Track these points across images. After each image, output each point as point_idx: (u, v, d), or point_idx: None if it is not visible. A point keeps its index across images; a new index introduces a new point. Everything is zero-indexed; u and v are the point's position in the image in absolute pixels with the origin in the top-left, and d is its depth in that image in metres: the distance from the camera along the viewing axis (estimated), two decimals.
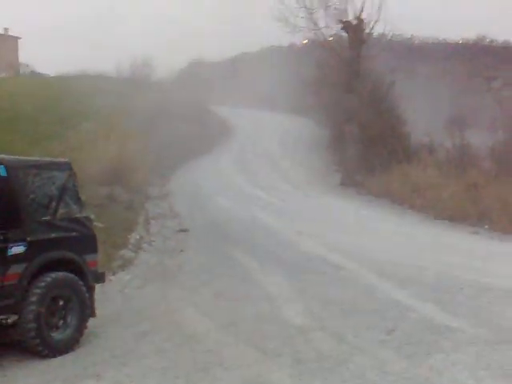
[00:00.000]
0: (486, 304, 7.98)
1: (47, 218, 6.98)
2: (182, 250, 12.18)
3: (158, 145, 23.04)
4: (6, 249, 6.36)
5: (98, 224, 9.56)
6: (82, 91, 26.94)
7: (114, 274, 10.29)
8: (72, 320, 6.87)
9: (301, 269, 10.44)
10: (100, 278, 7.56)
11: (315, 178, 23.89)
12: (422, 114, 34.16)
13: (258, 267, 10.76)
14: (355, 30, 25.46)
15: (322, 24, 26.06)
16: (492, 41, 61.06)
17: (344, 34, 26.21)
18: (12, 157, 7.07)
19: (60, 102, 25.75)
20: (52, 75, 37.37)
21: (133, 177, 17.36)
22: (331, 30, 26.20)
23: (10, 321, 6.83)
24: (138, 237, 13.02)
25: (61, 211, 7.18)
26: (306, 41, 38.45)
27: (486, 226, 15.33)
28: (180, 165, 25.04)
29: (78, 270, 7.08)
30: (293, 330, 7.22)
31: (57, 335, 6.69)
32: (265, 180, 23.20)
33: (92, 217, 7.65)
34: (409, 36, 58.42)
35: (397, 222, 16.25)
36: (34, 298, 6.49)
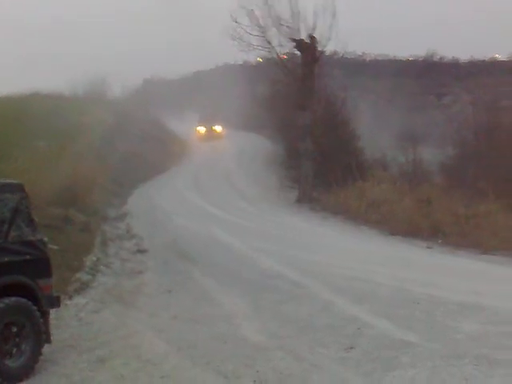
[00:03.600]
0: (441, 318, 8.16)
1: None
2: (140, 272, 12.05)
3: (114, 164, 22.82)
4: None
5: (52, 246, 9.39)
6: (34, 111, 26.48)
7: (70, 297, 10.08)
8: (26, 347, 6.69)
9: (258, 287, 10.48)
10: (55, 302, 7.40)
11: (271, 195, 24.03)
12: (374, 130, 34.85)
13: (217, 286, 10.75)
14: (308, 48, 25.80)
15: (275, 42, 26.31)
16: (441, 58, 62.81)
17: (297, 52, 26.52)
18: None
19: (11, 122, 25.23)
20: (3, 95, 36.66)
21: (88, 197, 17.10)
22: (284, 48, 26.46)
23: None
24: (94, 259, 12.80)
25: (13, 234, 7.01)
26: (260, 59, 38.82)
27: (440, 241, 15.66)
28: (137, 184, 24.83)
29: (31, 295, 6.91)
30: (251, 349, 7.23)
31: (11, 363, 6.51)
32: (221, 198, 23.21)
33: (46, 239, 7.49)
34: (360, 53, 59.75)
35: (352, 238, 16.46)
36: None
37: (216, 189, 25.53)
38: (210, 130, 39.76)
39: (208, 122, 40.03)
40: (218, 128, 39.88)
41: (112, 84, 41.44)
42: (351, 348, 7.16)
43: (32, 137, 23.45)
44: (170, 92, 46.41)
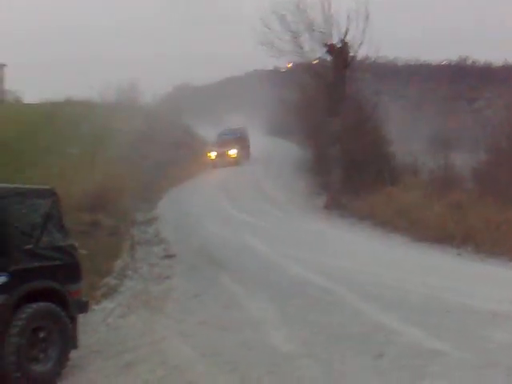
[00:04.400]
0: (472, 327, 7.97)
1: (30, 246, 6.89)
2: (167, 277, 12.08)
3: (143, 170, 23.00)
4: None
5: (81, 251, 9.47)
6: (67, 118, 26.90)
7: (97, 302, 10.17)
8: (53, 352, 6.75)
9: (287, 293, 10.39)
10: (83, 307, 7.46)
11: (299, 201, 23.90)
12: (405, 134, 34.53)
13: (245, 292, 10.70)
14: (340, 53, 25.68)
15: (306, 47, 26.25)
16: (474, 62, 62.01)
17: (329, 57, 26.42)
18: None
19: (44, 128, 25.67)
20: (37, 102, 37.29)
21: (118, 202, 17.27)
22: (316, 53, 26.39)
23: None
24: (122, 264, 12.91)
25: (44, 239, 7.11)
26: (290, 64, 38.78)
27: (469, 248, 15.36)
28: (166, 190, 24.97)
29: (60, 300, 6.97)
30: (278, 357, 7.16)
31: (38, 368, 6.56)
32: (250, 204, 23.18)
33: (76, 245, 7.56)
34: (392, 58, 59.27)
35: (380, 244, 16.24)
36: (14, 330, 6.38)
37: (244, 194, 25.52)
38: (222, 155, 33.62)
39: (223, 144, 34.19)
40: (232, 152, 33.78)
41: (143, 90, 41.96)
42: (380, 356, 7.04)
43: (64, 143, 23.84)
44: (200, 99, 46.59)
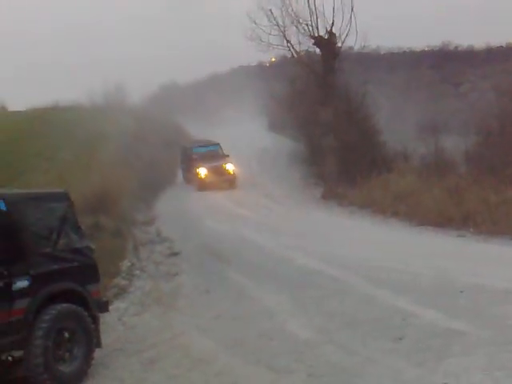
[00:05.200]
0: (487, 306, 8.06)
1: (48, 249, 6.92)
2: (175, 274, 12.12)
3: (138, 170, 22.97)
4: (10, 284, 6.28)
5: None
6: (55, 123, 26.78)
7: (110, 303, 10.17)
8: (78, 352, 6.79)
9: (296, 283, 10.46)
10: (104, 307, 7.50)
11: (296, 192, 24.00)
12: (394, 122, 34.68)
13: (254, 284, 10.75)
14: (327, 45, 25.93)
15: (294, 41, 26.45)
16: (457, 46, 62.36)
17: (316, 49, 26.63)
18: (11, 190, 7.02)
19: (33, 135, 25.54)
20: (23, 109, 37.06)
21: (117, 204, 17.23)
22: (303, 45, 26.60)
23: (10, 358, 6.71)
24: (129, 264, 12.93)
25: (61, 242, 7.15)
26: (273, 58, 38.88)
27: (471, 229, 15.51)
28: (162, 189, 24.97)
29: (81, 301, 7.00)
30: (300, 345, 7.22)
31: (65, 368, 6.60)
32: (247, 198, 23.25)
33: (93, 246, 7.59)
34: (374, 47, 59.48)
35: (382, 230, 16.38)
36: (40, 333, 6.40)
37: (240, 188, 25.58)
38: (216, 172, 26.01)
39: (207, 158, 26.70)
40: (229, 167, 26.34)
41: (129, 91, 41.78)
42: (400, 339, 7.12)
43: (55, 149, 23.72)
44: (187, 97, 46.45)
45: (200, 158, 26.87)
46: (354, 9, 25.08)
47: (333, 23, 25.28)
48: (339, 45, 25.51)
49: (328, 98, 25.18)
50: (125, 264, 12.93)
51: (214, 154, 27.58)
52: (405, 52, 61.46)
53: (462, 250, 13.12)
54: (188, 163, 27.94)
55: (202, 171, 26.15)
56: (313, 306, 9.00)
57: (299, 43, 26.50)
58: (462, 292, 8.79)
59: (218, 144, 28.58)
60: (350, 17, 24.98)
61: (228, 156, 27.19)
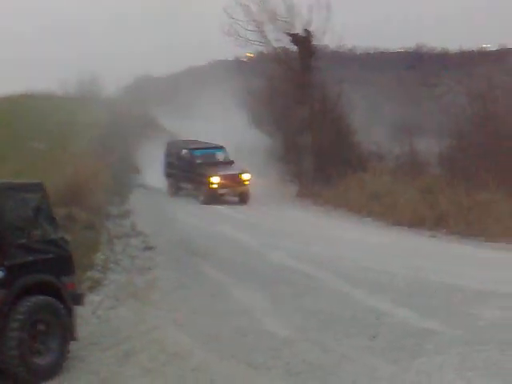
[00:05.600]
0: (460, 306, 8.24)
1: (23, 240, 6.82)
2: (150, 268, 12.02)
3: (113, 163, 22.77)
4: None
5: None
6: (27, 112, 26.38)
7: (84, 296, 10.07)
8: (54, 344, 6.71)
9: (273, 280, 10.50)
10: (79, 300, 7.42)
11: (272, 190, 24.02)
12: (369, 122, 34.89)
13: (230, 280, 10.75)
14: (304, 42, 25.96)
15: (271, 37, 26.39)
16: (431, 49, 62.99)
17: (293, 46, 26.63)
18: None
19: (2, 123, 25.11)
20: None
21: (90, 196, 17.03)
22: (281, 42, 26.55)
23: None
24: (103, 257, 12.79)
25: (36, 233, 7.04)
26: (251, 54, 38.85)
27: (444, 230, 15.77)
28: (136, 182, 24.77)
29: (56, 293, 6.92)
30: (277, 342, 7.26)
31: (40, 361, 6.52)
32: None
33: (67, 238, 7.50)
34: (351, 47, 59.69)
35: (357, 229, 16.53)
36: (15, 325, 6.32)
37: None
38: (232, 182, 21.68)
39: (216, 165, 22.63)
40: (247, 177, 21.93)
41: (104, 83, 41.40)
42: (375, 337, 7.23)
43: (26, 138, 23.35)
44: (162, 89, 46.08)
45: (206, 163, 22.40)
46: (330, 8, 25.17)
47: (309, 21, 25.34)
48: (316, 43, 25.54)
49: (304, 96, 25.25)
50: (99, 257, 12.78)
51: (219, 158, 23.45)
52: (380, 53, 61.79)
53: (435, 250, 13.34)
54: (184, 168, 22.72)
55: (215, 180, 21.27)
56: (289, 303, 9.05)
57: (276, 40, 26.50)
58: (435, 292, 8.95)
59: (223, 147, 24.14)
60: (327, 15, 25.07)
61: (233, 162, 23.24)
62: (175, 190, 23.26)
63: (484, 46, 61.00)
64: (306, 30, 25.68)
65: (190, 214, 18.80)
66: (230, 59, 50.97)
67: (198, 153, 23.22)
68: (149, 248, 13.88)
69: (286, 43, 26.63)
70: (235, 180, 21.70)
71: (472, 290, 8.92)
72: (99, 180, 19.12)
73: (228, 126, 36.98)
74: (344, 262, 11.57)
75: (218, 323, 8.24)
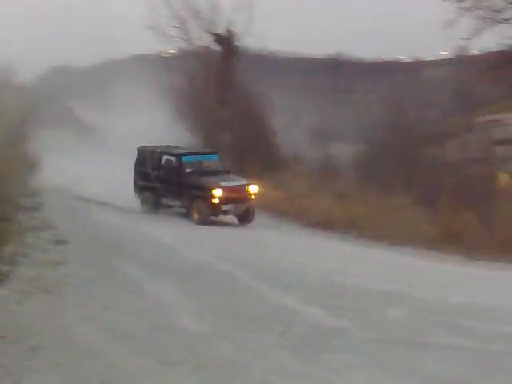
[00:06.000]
0: (368, 306, 8.60)
1: None
2: (62, 263, 11.72)
3: (29, 153, 22.05)
4: None
5: None
6: None
7: None
8: None
9: (190, 278, 10.54)
10: None
11: None
12: (288, 126, 35.58)
13: (146, 278, 10.65)
14: (226, 42, 26.15)
15: (194, 35, 26.41)
16: (348, 57, 65.01)
17: (216, 46, 26.75)
18: None
19: None
20: None
21: (1, 186, 16.42)
22: (203, 41, 26.62)
23: None
24: (12, 249, 12.35)
25: None
26: (173, 50, 38.58)
27: (354, 233, 16.38)
28: (50, 174, 24.02)
29: None
30: (191, 338, 7.32)
31: None
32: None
33: None
34: (272, 50, 60.53)
35: (273, 230, 16.84)
36: None
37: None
38: (237, 196, 17.95)
39: (216, 172, 19.24)
40: (254, 189, 18.45)
41: (18, 70, 39.79)
42: (286, 335, 7.42)
43: None
44: (81, 81, 44.87)
45: (198, 172, 18.84)
46: (253, 10, 25.47)
47: (233, 22, 25.54)
48: (238, 44, 25.78)
49: (226, 96, 25.46)
50: (7, 249, 12.35)
51: (213, 167, 19.65)
52: (301, 58, 63.01)
53: (347, 252, 13.86)
54: (168, 180, 18.95)
55: (218, 193, 17.57)
56: (204, 301, 9.12)
57: (199, 38, 26.54)
58: (345, 292, 9.30)
59: (217, 153, 20.66)
60: (250, 17, 25.34)
61: (230, 170, 19.83)
62: (153, 206, 18.99)
63: (400, 57, 63.73)
64: (229, 31, 25.88)
65: (105, 210, 18.44)
66: (153, 54, 50.31)
67: (187, 159, 19.25)
68: (61, 242, 13.50)
69: (209, 42, 26.77)
70: (241, 193, 18.03)
71: (377, 291, 9.34)
72: (11, 170, 18.48)
73: (149, 122, 36.66)
74: (259, 262, 11.83)
75: (132, 319, 8.18)
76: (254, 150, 23.44)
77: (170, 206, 18.75)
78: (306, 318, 8.19)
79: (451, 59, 40.49)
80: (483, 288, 10.90)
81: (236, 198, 17.69)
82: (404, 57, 63.54)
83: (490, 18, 19.29)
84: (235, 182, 18.53)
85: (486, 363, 6.44)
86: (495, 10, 19.28)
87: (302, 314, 8.32)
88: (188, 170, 18.72)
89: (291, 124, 37.25)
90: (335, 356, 6.63)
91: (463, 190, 20.16)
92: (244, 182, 18.62)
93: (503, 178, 33.97)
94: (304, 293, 9.46)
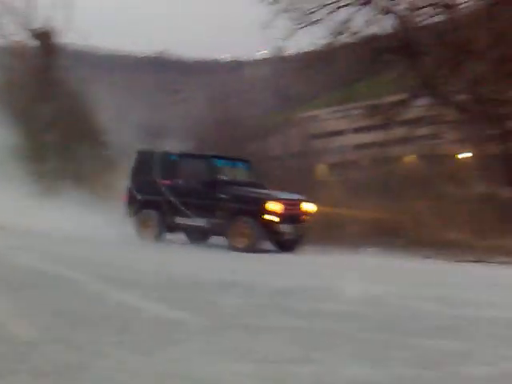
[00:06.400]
0: (205, 297, 8.84)
1: None
2: None
3: None
4: None
5: None
6: None
7: None
8: None
9: (20, 284, 9.98)
10: None
11: (16, 187, 22.71)
12: (119, 123, 34.91)
13: None
14: (44, 38, 25.29)
15: (10, 29, 25.11)
16: (172, 55, 65.39)
17: (33, 42, 25.65)
18: None
19: None
20: None
21: None
22: (20, 36, 25.40)
23: None
24: None
25: None
26: None
27: None
28: None
29: None
30: (22, 346, 6.96)
31: None
32: None
33: None
34: (96, 47, 58.91)
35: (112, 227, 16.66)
36: None
37: None
38: (295, 213, 15.33)
39: (254, 184, 16.28)
40: (310, 208, 15.72)
41: None
42: (126, 332, 7.36)
43: None
44: None
45: (234, 182, 15.52)
46: (73, 5, 24.87)
47: (51, 17, 24.71)
48: (57, 40, 24.99)
49: (47, 94, 24.53)
50: None
51: (246, 177, 16.55)
52: (125, 56, 62.11)
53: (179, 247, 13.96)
54: (189, 192, 15.46)
55: (275, 207, 14.35)
56: (37, 306, 8.69)
57: (15, 34, 25.32)
58: (181, 285, 9.44)
59: (249, 161, 17.19)
60: (69, 13, 24.76)
61: (264, 185, 16.41)
62: (161, 229, 15.42)
63: (220, 57, 65.50)
64: (47, 26, 25.05)
65: None
66: None
67: (220, 164, 15.63)
68: None
69: (26, 38, 25.66)
70: (299, 211, 14.84)
71: (214, 282, 9.61)
72: None
73: None
74: (95, 261, 11.54)
75: None
76: (81, 149, 22.82)
77: (187, 228, 15.32)
78: (146, 313, 8.21)
79: (270, 58, 42.31)
80: (308, 272, 11.67)
81: (294, 216, 14.72)
82: (224, 56, 65.49)
83: (302, 19, 20.55)
84: (289, 195, 15.28)
85: (312, 339, 6.88)
86: (307, 13, 20.59)
87: (142, 310, 8.30)
88: (222, 178, 15.31)
89: (121, 122, 36.65)
90: (176, 347, 6.69)
91: (286, 182, 21.25)
92: (299, 196, 15.53)
93: (321, 169, 36.50)
94: (144, 289, 9.42)
